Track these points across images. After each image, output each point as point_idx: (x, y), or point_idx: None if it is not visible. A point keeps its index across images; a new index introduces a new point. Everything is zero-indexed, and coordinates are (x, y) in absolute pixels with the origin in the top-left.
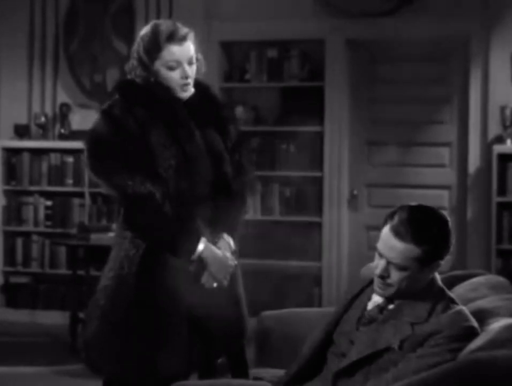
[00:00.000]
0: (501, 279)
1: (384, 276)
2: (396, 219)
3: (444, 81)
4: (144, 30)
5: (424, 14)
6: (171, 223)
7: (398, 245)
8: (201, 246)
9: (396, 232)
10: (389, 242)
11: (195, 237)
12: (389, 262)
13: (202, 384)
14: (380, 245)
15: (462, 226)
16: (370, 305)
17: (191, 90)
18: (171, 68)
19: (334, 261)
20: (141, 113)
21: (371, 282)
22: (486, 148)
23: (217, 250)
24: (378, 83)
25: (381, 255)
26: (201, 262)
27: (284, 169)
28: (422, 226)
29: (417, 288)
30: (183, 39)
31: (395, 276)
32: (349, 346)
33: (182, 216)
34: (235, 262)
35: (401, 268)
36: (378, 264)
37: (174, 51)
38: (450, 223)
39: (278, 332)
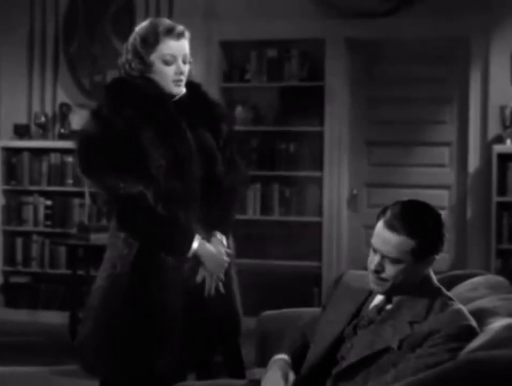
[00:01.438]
0: (500, 278)
1: (379, 271)
2: (389, 213)
3: (444, 81)
4: (140, 26)
5: (424, 14)
6: (164, 223)
7: (392, 238)
8: (195, 244)
9: (390, 226)
10: (382, 236)
11: (189, 235)
12: (383, 257)
13: (202, 384)
14: (374, 240)
15: (462, 226)
16: (370, 308)
17: (183, 88)
18: (167, 63)
19: (334, 261)
20: (130, 113)
21: (370, 293)
22: (486, 148)
23: (211, 246)
24: (378, 83)
25: (375, 251)
26: (196, 260)
27: (283, 169)
28: (415, 218)
29: (413, 283)
30: (180, 35)
31: (390, 270)
32: (348, 350)
33: (174, 215)
34: (230, 254)
35: (395, 261)
36: (373, 259)
37: (171, 45)
38: (442, 217)
39: (277, 332)
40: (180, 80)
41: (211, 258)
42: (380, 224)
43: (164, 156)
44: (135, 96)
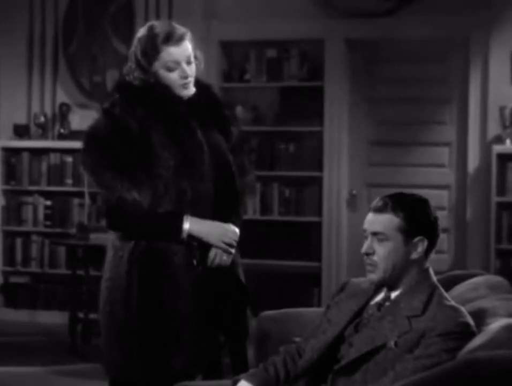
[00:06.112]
0: (500, 279)
1: (369, 253)
2: (375, 201)
3: (444, 81)
4: (140, 33)
5: (424, 14)
6: (150, 216)
7: (379, 217)
8: (186, 224)
9: (375, 208)
10: (370, 218)
11: (177, 217)
12: (372, 237)
13: (203, 385)
14: (364, 225)
15: (462, 226)
16: (370, 305)
17: (192, 88)
18: (170, 70)
19: (334, 261)
20: (141, 113)
21: (375, 292)
22: (485, 148)
23: (203, 221)
24: (378, 83)
25: (365, 235)
26: (200, 243)
27: (283, 169)
28: (399, 198)
29: (408, 275)
30: (180, 39)
31: (380, 251)
32: (348, 349)
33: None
34: (236, 230)
35: (383, 238)
36: (364, 243)
37: (172, 52)
38: (429, 203)
39: (277, 332)
40: (187, 83)
41: (208, 229)
42: (369, 213)
43: (174, 156)
44: (146, 95)
